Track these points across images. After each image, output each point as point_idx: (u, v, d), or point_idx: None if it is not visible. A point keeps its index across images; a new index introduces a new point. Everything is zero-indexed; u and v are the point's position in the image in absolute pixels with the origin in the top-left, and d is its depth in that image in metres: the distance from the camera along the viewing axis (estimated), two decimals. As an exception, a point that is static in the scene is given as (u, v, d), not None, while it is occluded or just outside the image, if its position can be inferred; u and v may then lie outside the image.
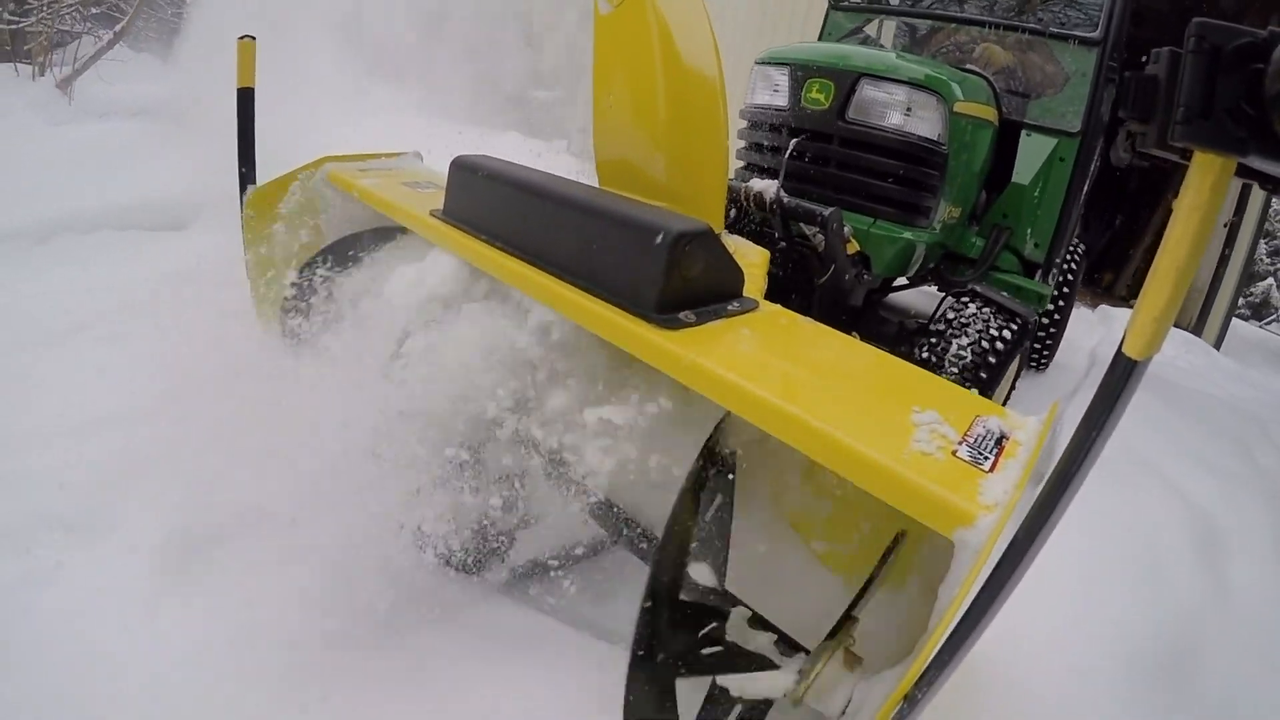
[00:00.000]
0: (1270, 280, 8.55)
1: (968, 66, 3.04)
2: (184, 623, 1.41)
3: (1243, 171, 0.59)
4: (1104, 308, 5.95)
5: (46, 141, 4.28)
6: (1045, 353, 3.99)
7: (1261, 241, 8.51)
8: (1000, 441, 0.99)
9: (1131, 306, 0.72)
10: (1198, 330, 6.76)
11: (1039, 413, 1.09)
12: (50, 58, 5.75)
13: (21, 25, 6.11)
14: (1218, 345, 6.66)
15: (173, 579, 1.50)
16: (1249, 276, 8.39)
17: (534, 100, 6.80)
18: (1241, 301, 8.54)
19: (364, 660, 1.38)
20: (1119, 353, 0.72)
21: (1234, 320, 7.03)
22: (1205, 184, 0.60)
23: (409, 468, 1.36)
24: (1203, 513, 2.30)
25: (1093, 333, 4.89)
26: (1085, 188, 3.11)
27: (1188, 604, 1.89)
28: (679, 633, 1.16)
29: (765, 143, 2.76)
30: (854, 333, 2.57)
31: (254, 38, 2.12)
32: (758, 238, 2.38)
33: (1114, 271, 7.87)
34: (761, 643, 1.20)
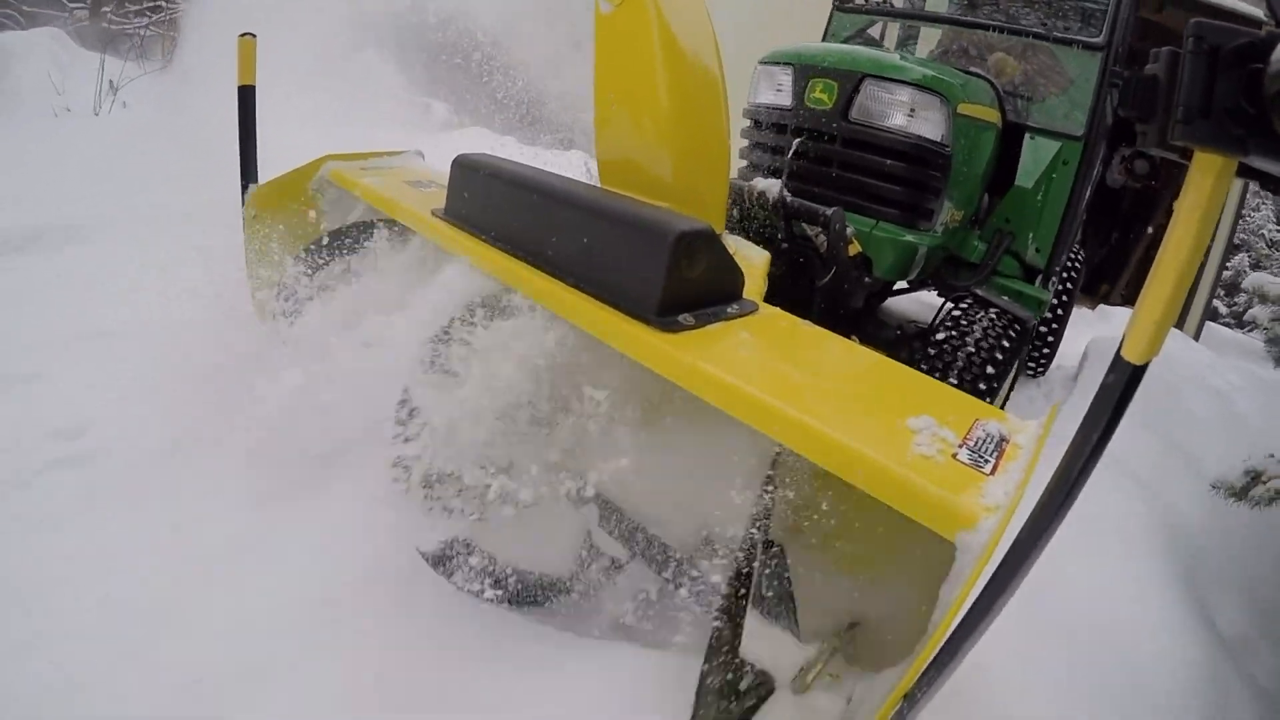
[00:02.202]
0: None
1: (972, 69, 3.03)
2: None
3: (1243, 171, 0.59)
4: (1103, 307, 6.14)
5: (187, 128, 4.39)
6: (1043, 360, 3.98)
7: (1244, 255, 8.73)
8: (1000, 444, 0.98)
9: (1130, 306, 0.72)
10: (1179, 324, 6.91)
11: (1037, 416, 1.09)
12: (173, 53, 6.05)
13: (127, 28, 6.39)
14: (1196, 338, 6.80)
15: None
16: (1232, 288, 8.62)
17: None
18: (1226, 311, 8.74)
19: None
20: (1117, 357, 0.72)
21: (1219, 327, 7.13)
22: (1206, 183, 0.60)
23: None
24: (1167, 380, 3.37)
25: (1092, 330, 5.00)
26: (1087, 194, 3.10)
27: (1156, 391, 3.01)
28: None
29: (768, 142, 2.76)
30: (853, 336, 2.56)
31: (254, 35, 2.12)
32: (760, 238, 2.38)
33: (1110, 282, 8.01)
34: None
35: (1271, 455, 1.99)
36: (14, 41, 5.66)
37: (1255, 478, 1.96)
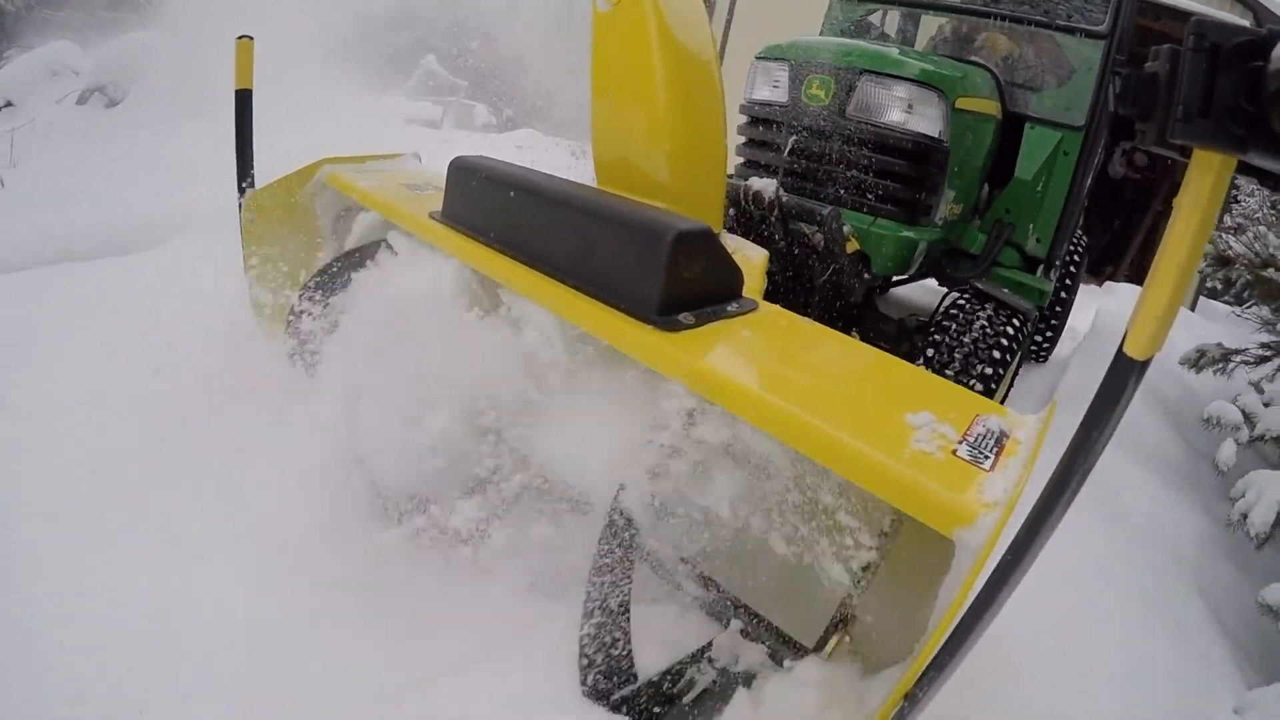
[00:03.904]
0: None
1: (971, 58, 3.01)
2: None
3: (1243, 169, 0.59)
4: (1108, 283, 6.40)
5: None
6: (1046, 345, 3.98)
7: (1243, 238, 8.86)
8: (1000, 440, 0.98)
9: (1133, 284, 0.71)
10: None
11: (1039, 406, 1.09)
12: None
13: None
14: (1191, 308, 6.88)
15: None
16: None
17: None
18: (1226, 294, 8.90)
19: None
20: (1120, 352, 0.71)
21: (1216, 303, 7.17)
22: (1205, 182, 0.60)
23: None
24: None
25: (1098, 303, 5.14)
26: (1088, 184, 3.09)
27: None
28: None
29: (765, 139, 2.75)
30: (854, 332, 2.55)
31: (251, 38, 2.11)
32: (757, 237, 2.37)
33: (1114, 265, 8.09)
34: (752, 659, 1.22)
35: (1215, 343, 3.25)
36: (148, 42, 5.77)
37: (1202, 355, 3.23)
